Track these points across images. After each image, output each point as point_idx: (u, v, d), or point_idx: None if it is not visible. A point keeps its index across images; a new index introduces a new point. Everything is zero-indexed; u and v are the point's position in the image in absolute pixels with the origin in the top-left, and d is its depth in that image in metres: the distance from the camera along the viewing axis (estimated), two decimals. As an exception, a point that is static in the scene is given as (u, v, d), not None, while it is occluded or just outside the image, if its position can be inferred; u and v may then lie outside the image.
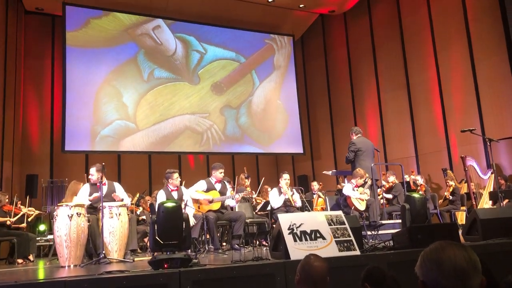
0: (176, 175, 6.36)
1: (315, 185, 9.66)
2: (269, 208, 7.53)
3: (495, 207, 7.73)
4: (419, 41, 10.84)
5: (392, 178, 8.73)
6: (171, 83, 11.34)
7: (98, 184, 5.74)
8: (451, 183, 9.13)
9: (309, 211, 7.54)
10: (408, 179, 9.43)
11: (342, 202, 7.18)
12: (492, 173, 8.55)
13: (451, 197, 9.01)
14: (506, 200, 8.17)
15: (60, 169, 11.07)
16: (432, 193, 9.26)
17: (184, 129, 11.25)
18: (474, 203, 8.11)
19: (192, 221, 5.97)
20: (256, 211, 7.90)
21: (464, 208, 8.97)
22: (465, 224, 4.88)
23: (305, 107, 13.64)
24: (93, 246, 5.47)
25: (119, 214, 5.56)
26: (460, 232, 4.91)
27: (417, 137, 10.86)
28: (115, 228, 5.50)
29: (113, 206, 5.59)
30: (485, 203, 8.36)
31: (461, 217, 9.01)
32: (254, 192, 7.45)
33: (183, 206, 5.98)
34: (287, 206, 7.01)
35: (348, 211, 6.84)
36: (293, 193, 7.17)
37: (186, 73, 11.58)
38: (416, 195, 5.04)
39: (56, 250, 5.33)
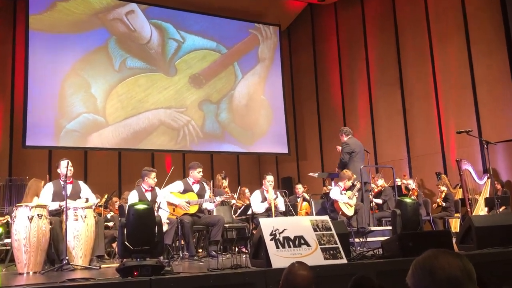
0: (154, 174, 6.33)
1: (299, 188, 9.70)
2: (250, 212, 7.55)
3: (491, 214, 7.85)
4: (415, 34, 10.97)
5: (381, 182, 8.82)
6: (145, 74, 11.27)
7: (62, 181, 5.65)
8: (443, 188, 9.25)
9: (293, 215, 7.47)
10: (399, 183, 9.52)
11: (328, 207, 7.21)
12: (488, 178, 8.67)
13: (444, 204, 9.14)
14: (503, 207, 8.32)
15: (20, 166, 10.88)
16: (425, 198, 9.37)
17: (159, 125, 11.19)
18: (469, 209, 8.25)
19: (165, 225, 5.92)
20: (236, 215, 7.91)
21: (458, 215, 9.10)
22: (459, 232, 4.95)
23: (291, 103, 13.69)
24: (55, 251, 5.39)
25: (85, 217, 5.49)
26: (454, 240, 4.94)
27: (410, 137, 11.00)
28: (80, 231, 5.43)
29: (78, 207, 5.51)
30: (481, 209, 8.48)
31: (455, 224, 9.15)
32: (235, 196, 7.43)
33: (155, 208, 5.92)
34: (269, 210, 7.02)
35: (335, 216, 6.88)
36: (277, 197, 7.18)
37: (162, 63, 11.51)
38: (408, 200, 5.10)
39: (13, 256, 5.23)
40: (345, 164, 7.59)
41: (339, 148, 7.76)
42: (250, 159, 14.03)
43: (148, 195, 6.30)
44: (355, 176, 7.22)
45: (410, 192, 9.07)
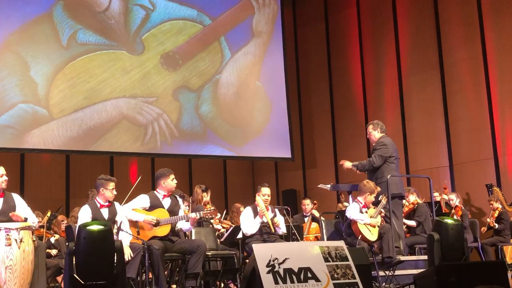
0: (112, 184, 6.29)
1: (307, 204, 9.71)
2: (240, 235, 7.50)
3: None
4: (459, 3, 11.05)
5: (413, 198, 8.84)
6: (102, 52, 11.20)
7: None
8: (496, 205, 9.26)
9: (297, 240, 7.50)
10: (438, 198, 9.51)
11: (345, 229, 7.20)
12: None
13: (497, 225, 9.17)
14: None
15: None
16: (472, 218, 9.39)
17: (120, 119, 11.15)
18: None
19: (128, 253, 5.92)
20: (222, 239, 7.88)
21: (515, 240, 9.17)
22: (518, 263, 5.04)
23: (296, 92, 13.63)
24: (-20, 286, 5.36)
25: (21, 241, 5.46)
26: (509, 274, 4.97)
27: (453, 139, 11.04)
28: (15, 260, 5.40)
29: (11, 228, 5.48)
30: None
31: (511, 253, 9.16)
32: (217, 212, 7.43)
33: (115, 230, 5.88)
34: (266, 234, 6.99)
35: (354, 242, 6.88)
36: (275, 215, 7.14)
37: (125, 37, 11.47)
38: (449, 221, 5.18)
39: None
40: (374, 171, 7.57)
41: (347, 165, 7.75)
42: (241, 165, 13.98)
43: (105, 212, 6.24)
44: (379, 189, 7.22)
45: (453, 211, 9.06)
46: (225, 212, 8.99)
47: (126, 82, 11.32)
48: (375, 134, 7.78)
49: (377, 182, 7.39)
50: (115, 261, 3.87)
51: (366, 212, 7.17)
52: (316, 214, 9.50)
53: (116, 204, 6.40)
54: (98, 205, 6.26)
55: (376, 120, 8.11)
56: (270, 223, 6.96)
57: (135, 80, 11.42)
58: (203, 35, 12.23)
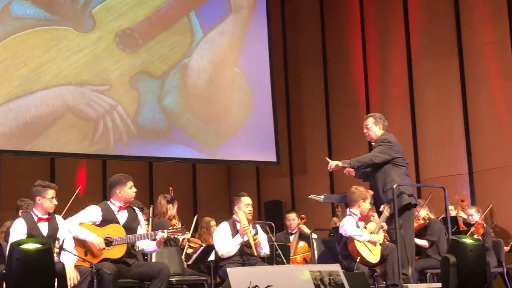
0: (51, 192, 6.25)
1: (292, 219, 9.75)
2: (212, 257, 7.51)
3: None
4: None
5: (424, 212, 8.86)
6: (42, 28, 11.13)
7: None
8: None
9: (283, 263, 7.45)
10: (454, 213, 9.57)
11: (340, 250, 7.24)
12: None
13: (525, 246, 9.26)
14: None
15: None
16: (495, 238, 9.44)
17: (64, 112, 11.09)
18: None
19: (72, 278, 5.86)
20: (189, 262, 7.88)
21: (548, 266, 9.20)
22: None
23: (283, 81, 13.64)
24: None
25: None
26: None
27: (473, 141, 11.09)
28: None
29: None
30: None
31: (542, 281, 9.22)
32: (186, 230, 7.45)
33: (56, 250, 5.85)
34: (245, 255, 7.02)
35: (351, 265, 6.90)
36: (256, 232, 7.18)
37: (70, 10, 11.39)
38: (468, 240, 5.21)
39: None
40: (380, 175, 7.46)
41: (334, 164, 7.52)
42: (214, 171, 13.99)
43: (44, 228, 6.22)
44: (371, 192, 7.29)
45: (473, 229, 9.09)
46: (192, 227, 8.99)
47: (72, 67, 11.24)
48: (376, 130, 7.62)
49: (385, 188, 7.30)
50: (55, 287, 3.85)
51: (365, 227, 7.21)
52: (306, 230, 9.52)
53: (58, 217, 6.40)
54: (36, 219, 6.22)
55: (379, 114, 7.97)
56: (252, 243, 6.94)
57: (83, 64, 11.35)
58: (169, 9, 12.20)
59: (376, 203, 7.47)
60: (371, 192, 7.33)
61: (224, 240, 7.10)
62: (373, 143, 7.77)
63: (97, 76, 11.44)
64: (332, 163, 7.47)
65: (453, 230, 8.53)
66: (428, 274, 8.18)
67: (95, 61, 11.47)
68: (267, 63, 12.84)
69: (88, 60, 11.41)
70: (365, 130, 7.70)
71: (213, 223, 9.18)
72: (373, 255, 7.03)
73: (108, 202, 6.60)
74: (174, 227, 6.79)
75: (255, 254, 6.97)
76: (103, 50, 11.57)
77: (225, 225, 7.21)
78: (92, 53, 11.45)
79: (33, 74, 10.97)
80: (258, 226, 7.35)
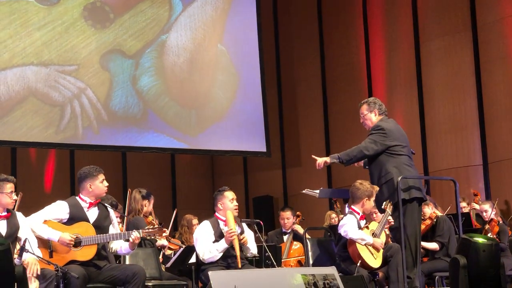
0: (10, 186, 6.22)
1: (287, 217, 9.72)
2: (193, 259, 7.51)
3: None
4: None
5: (429, 211, 8.81)
6: (0, 1, 11.10)
7: None
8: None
9: (273, 266, 7.44)
10: (466, 209, 9.57)
11: (338, 251, 7.27)
12: None
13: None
14: None
15: None
16: (512, 237, 9.53)
17: (26, 96, 11.12)
18: None
19: (34, 284, 5.85)
20: (168, 264, 7.90)
21: None
22: None
23: (274, 61, 13.66)
24: None
25: None
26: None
27: (488, 128, 11.14)
28: None
29: None
30: None
31: None
32: (166, 229, 7.37)
33: (15, 251, 5.83)
34: (229, 257, 6.98)
35: (350, 268, 6.93)
36: (242, 231, 7.13)
37: (32, -20, 11.38)
38: (480, 239, 5.22)
39: None
40: (376, 167, 7.47)
41: (322, 162, 7.45)
42: (195, 162, 14.08)
43: (2, 226, 6.16)
44: (377, 189, 7.27)
45: (486, 226, 9.12)
46: (171, 225, 9.05)
47: (34, 44, 11.23)
48: (372, 117, 7.62)
49: (380, 182, 7.33)
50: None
51: (367, 227, 7.22)
52: (300, 230, 9.50)
53: (19, 214, 6.34)
54: (-7, 216, 6.24)
55: (373, 98, 8.01)
56: (237, 252, 6.82)
57: (47, 41, 11.34)
58: (144, -21, 12.23)
59: (376, 200, 7.42)
60: (377, 188, 7.25)
61: (205, 243, 7.02)
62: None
63: (63, 55, 11.44)
64: (320, 160, 7.44)
65: (464, 227, 8.52)
66: (436, 277, 8.19)
67: (61, 38, 11.46)
68: (255, 40, 12.84)
69: (53, 37, 11.40)
70: (361, 120, 7.74)
71: (195, 221, 9.15)
72: (375, 259, 7.05)
73: (77, 198, 6.59)
74: (151, 227, 6.76)
75: (239, 266, 6.76)
76: (70, 26, 11.55)
77: (206, 225, 7.14)
78: (57, 28, 11.43)
79: (-12, 53, 11.01)
80: (244, 224, 7.32)
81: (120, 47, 11.91)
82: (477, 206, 9.75)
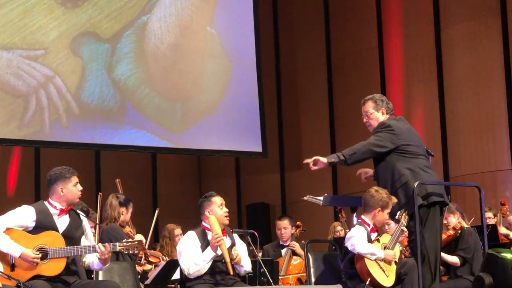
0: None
1: (284, 227, 9.66)
2: (177, 275, 7.53)
3: None
4: None
5: (454, 220, 8.76)
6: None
7: None
8: None
9: (270, 284, 7.41)
10: (493, 220, 9.56)
11: (344, 266, 7.24)
12: None
13: None
14: None
15: None
16: (547, 254, 9.42)
17: (-14, 85, 11.11)
18: None
19: None
20: (148, 281, 7.90)
21: None
22: None
23: (272, 46, 13.67)
24: None
25: None
26: None
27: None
28: None
29: None
30: None
31: None
32: (144, 240, 7.44)
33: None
34: (219, 273, 6.96)
35: (358, 287, 6.93)
36: (233, 243, 7.10)
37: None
38: (509, 255, 5.31)
39: None
40: (389, 171, 7.32)
41: (320, 162, 7.38)
42: (180, 163, 14.11)
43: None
44: (395, 200, 7.10)
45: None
46: (150, 235, 9.04)
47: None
48: (379, 117, 7.56)
49: (394, 187, 7.24)
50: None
51: (378, 240, 7.17)
52: (299, 249, 9.47)
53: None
54: None
55: (379, 94, 7.90)
56: (227, 259, 6.81)
57: (9, 22, 11.34)
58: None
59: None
60: (395, 200, 7.12)
61: (191, 254, 6.97)
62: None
63: (28, 38, 11.44)
64: (311, 160, 7.40)
65: (490, 241, 8.40)
66: (459, 298, 8.17)
67: (25, 18, 11.44)
68: (251, 23, 12.83)
69: (16, 17, 11.40)
70: (365, 119, 7.67)
71: (178, 231, 9.24)
72: (386, 277, 7.01)
73: (45, 203, 6.50)
74: (129, 240, 6.79)
75: (231, 273, 6.87)
76: (35, 4, 11.53)
77: (192, 236, 7.10)
78: (21, 7, 11.41)
79: None
80: (235, 236, 7.27)
81: (94, 29, 11.89)
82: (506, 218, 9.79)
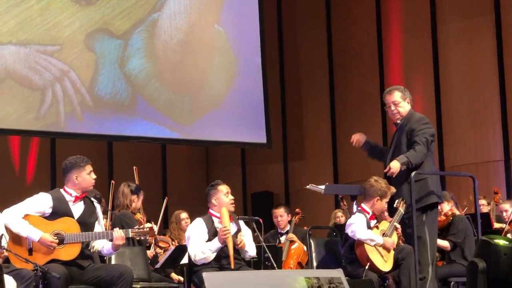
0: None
1: (280, 215, 9.79)
2: (185, 260, 7.55)
3: None
4: None
5: (447, 207, 8.82)
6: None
7: None
8: None
9: (273, 268, 7.33)
10: (486, 208, 9.61)
11: (344, 252, 7.32)
12: None
13: None
14: None
15: None
16: (536, 240, 9.53)
17: (3, 79, 11.12)
18: None
19: (11, 283, 5.85)
20: (158, 265, 7.94)
21: None
22: None
23: (276, 43, 13.70)
24: None
25: None
26: None
27: (511, 121, 11.16)
28: None
29: None
30: None
31: None
32: (155, 226, 7.41)
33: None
34: (223, 258, 6.96)
35: (357, 271, 6.98)
36: (239, 229, 7.16)
37: None
38: (501, 241, 5.28)
39: None
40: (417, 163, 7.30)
41: (395, 167, 7.21)
42: (188, 153, 14.18)
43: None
44: (393, 190, 7.26)
45: (506, 227, 9.15)
46: (159, 221, 9.09)
47: (13, 21, 11.21)
48: (405, 106, 7.54)
49: (415, 180, 7.15)
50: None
51: (377, 226, 7.24)
52: (295, 239, 9.50)
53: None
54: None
55: (401, 86, 7.89)
56: (231, 251, 6.78)
57: (27, 19, 11.32)
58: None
59: (397, 196, 7.34)
60: (393, 190, 7.24)
61: (198, 242, 6.98)
62: (398, 121, 7.57)
63: (44, 34, 11.44)
64: (395, 169, 7.13)
65: (483, 229, 8.48)
66: (452, 282, 8.18)
67: (42, 15, 11.44)
68: (256, 19, 12.84)
69: (33, 14, 11.37)
70: (392, 108, 7.53)
71: (184, 215, 9.26)
72: (385, 262, 7.07)
73: (61, 190, 6.59)
74: (141, 226, 6.77)
75: (232, 267, 6.75)
76: (52, 2, 11.53)
77: (199, 223, 7.09)
78: (38, 5, 11.40)
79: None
80: (241, 222, 7.30)
81: (107, 26, 11.92)
82: (496, 205, 9.81)
